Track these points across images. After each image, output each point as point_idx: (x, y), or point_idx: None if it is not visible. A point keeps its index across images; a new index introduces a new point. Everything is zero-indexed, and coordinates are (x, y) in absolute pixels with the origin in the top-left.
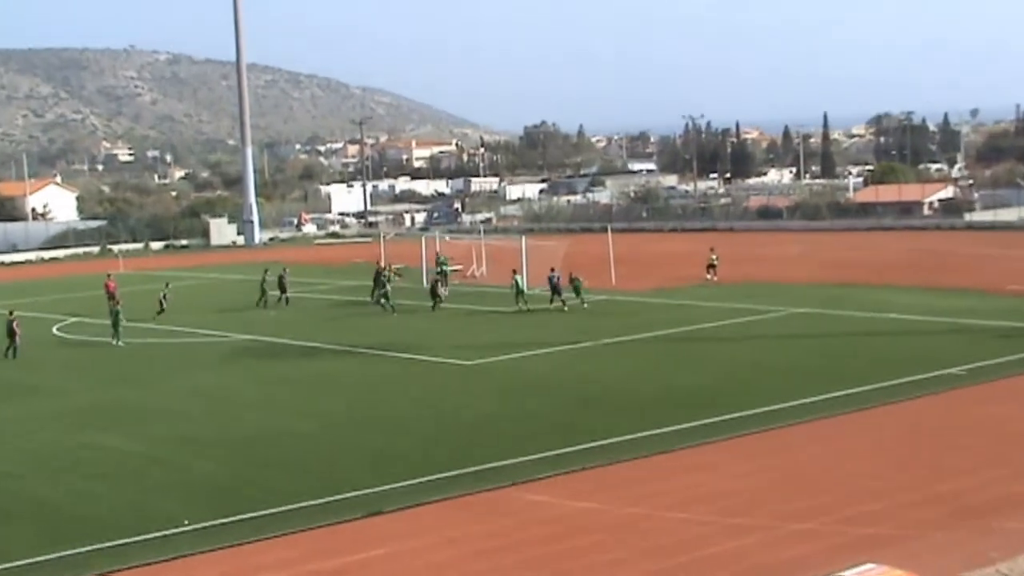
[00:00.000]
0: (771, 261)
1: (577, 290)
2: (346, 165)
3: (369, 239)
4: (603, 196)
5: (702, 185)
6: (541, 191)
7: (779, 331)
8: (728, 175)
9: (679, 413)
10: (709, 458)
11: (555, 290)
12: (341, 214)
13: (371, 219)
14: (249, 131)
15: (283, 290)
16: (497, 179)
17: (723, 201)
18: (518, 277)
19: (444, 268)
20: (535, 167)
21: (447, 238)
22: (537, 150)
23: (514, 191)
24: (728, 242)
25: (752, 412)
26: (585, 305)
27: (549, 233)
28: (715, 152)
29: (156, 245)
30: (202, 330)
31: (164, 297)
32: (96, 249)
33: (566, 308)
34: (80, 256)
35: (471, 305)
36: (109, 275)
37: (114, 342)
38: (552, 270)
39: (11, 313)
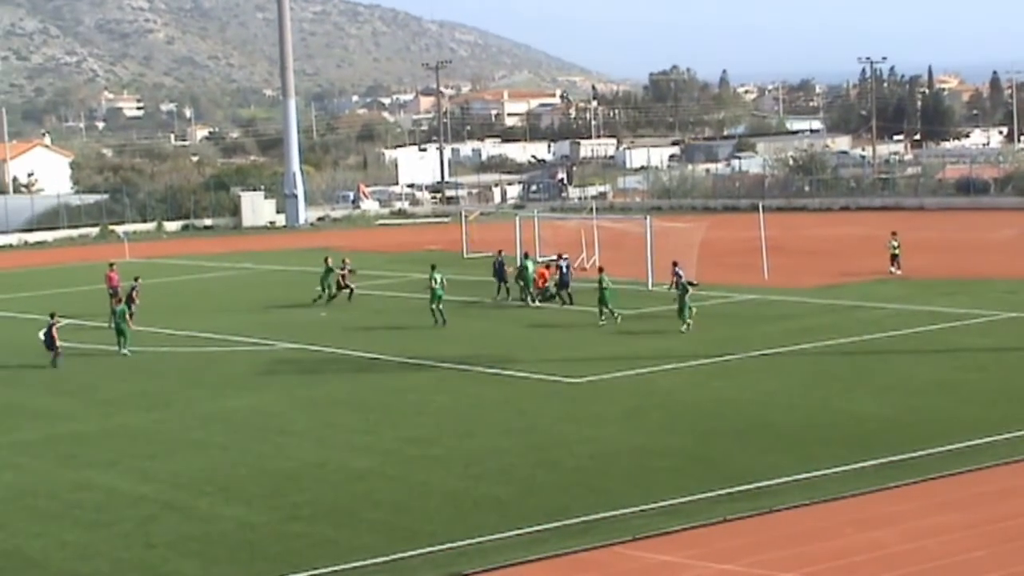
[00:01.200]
0: (974, 249)
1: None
2: (418, 123)
3: (447, 219)
4: (753, 164)
5: (883, 150)
6: (672, 157)
7: (983, 343)
8: (917, 136)
9: (850, 449)
10: (890, 508)
11: (562, 284)
12: (411, 186)
13: (450, 193)
14: (292, 78)
15: (341, 287)
16: (614, 141)
17: (910, 171)
18: (528, 262)
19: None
20: (664, 126)
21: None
22: (666, 104)
23: (636, 157)
24: (917, 224)
25: (946, 448)
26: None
27: (682, 212)
28: (901, 107)
29: (172, 226)
30: (232, 336)
31: (135, 292)
32: (95, 231)
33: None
34: (75, 240)
35: (577, 306)
36: (112, 264)
37: (120, 351)
38: (560, 256)
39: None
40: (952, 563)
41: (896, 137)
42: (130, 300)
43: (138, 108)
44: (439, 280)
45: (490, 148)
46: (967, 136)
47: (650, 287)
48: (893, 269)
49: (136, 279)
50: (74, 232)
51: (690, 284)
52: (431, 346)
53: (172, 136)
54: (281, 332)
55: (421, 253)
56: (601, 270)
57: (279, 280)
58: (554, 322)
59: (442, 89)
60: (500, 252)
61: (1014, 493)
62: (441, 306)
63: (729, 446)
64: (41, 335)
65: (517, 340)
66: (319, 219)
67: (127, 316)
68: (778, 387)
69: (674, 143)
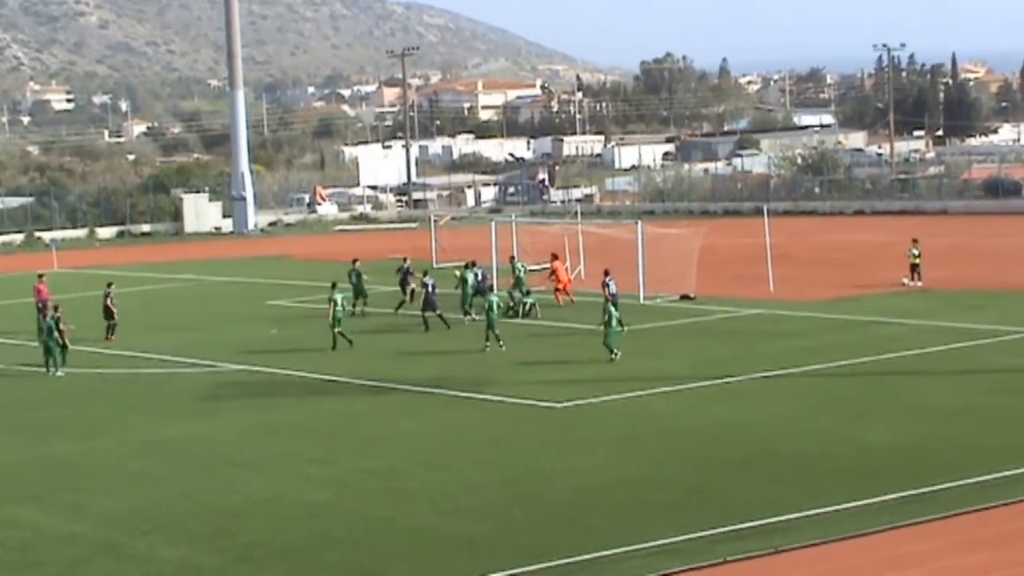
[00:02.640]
0: (1003, 258)
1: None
2: (381, 117)
3: (414, 225)
4: (756, 163)
5: (902, 147)
6: (666, 155)
7: (1013, 362)
8: (940, 132)
9: (865, 480)
10: (912, 547)
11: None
12: (373, 188)
13: (417, 196)
14: (240, 67)
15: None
16: (601, 138)
17: (932, 171)
18: (519, 263)
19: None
20: (657, 121)
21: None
22: (660, 96)
23: (627, 156)
24: (940, 230)
25: (973, 480)
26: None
27: (677, 217)
28: (921, 99)
29: (106, 232)
30: (173, 356)
31: (111, 300)
32: (19, 238)
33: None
34: None
35: (561, 322)
36: (41, 276)
37: (50, 372)
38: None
39: None
40: None
41: (916, 133)
42: (109, 314)
43: (68, 100)
44: (340, 301)
45: (462, 145)
46: (995, 132)
47: (641, 301)
48: (912, 280)
49: (109, 285)
50: None
51: (686, 297)
52: (395, 367)
53: (106, 132)
54: (228, 352)
55: (386, 262)
56: (512, 258)
57: (226, 293)
58: (535, 340)
59: (409, 79)
60: (406, 259)
61: None
62: (340, 329)
63: (731, 478)
64: None
65: (493, 360)
66: (270, 224)
67: (56, 332)
68: (785, 412)
69: (668, 140)
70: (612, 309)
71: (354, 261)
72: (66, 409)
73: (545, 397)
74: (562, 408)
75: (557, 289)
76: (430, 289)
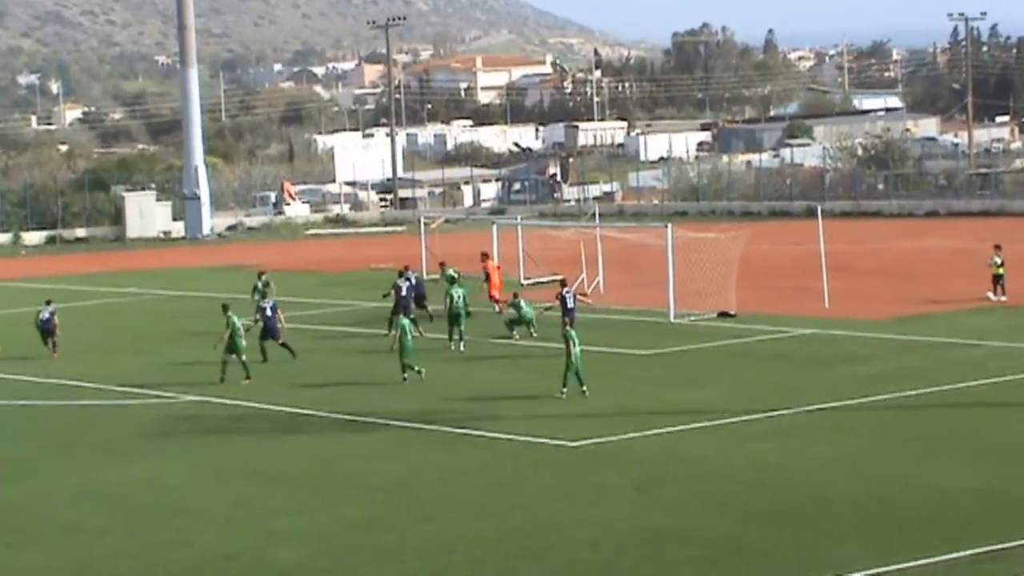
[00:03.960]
0: None
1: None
2: (361, 100)
3: (401, 228)
4: (809, 155)
5: (982, 135)
6: (701, 145)
7: None
8: None
9: (937, 533)
10: None
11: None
12: (352, 185)
13: (404, 194)
14: (194, 41)
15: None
16: (624, 125)
17: (1019, 163)
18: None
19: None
20: (690, 104)
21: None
22: (694, 75)
23: (655, 145)
24: None
25: None
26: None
27: (714, 219)
28: (1006, 78)
29: (33, 237)
30: (114, 385)
31: (46, 319)
32: None
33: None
34: None
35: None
36: None
37: None
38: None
39: None
40: None
41: (999, 119)
42: (49, 331)
43: None
44: (237, 325)
45: (458, 134)
46: None
47: (672, 319)
48: (995, 295)
49: (48, 302)
50: None
51: (725, 315)
52: (379, 398)
53: (33, 118)
54: (179, 380)
55: (366, 273)
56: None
57: (177, 310)
58: (544, 366)
59: (394, 55)
60: (407, 268)
61: None
62: (244, 357)
63: (775, 530)
64: None
65: (496, 389)
66: (229, 228)
67: None
68: (841, 452)
69: (704, 127)
70: (572, 333)
71: (260, 274)
72: None
73: (556, 434)
74: (576, 448)
75: (492, 297)
76: (403, 292)
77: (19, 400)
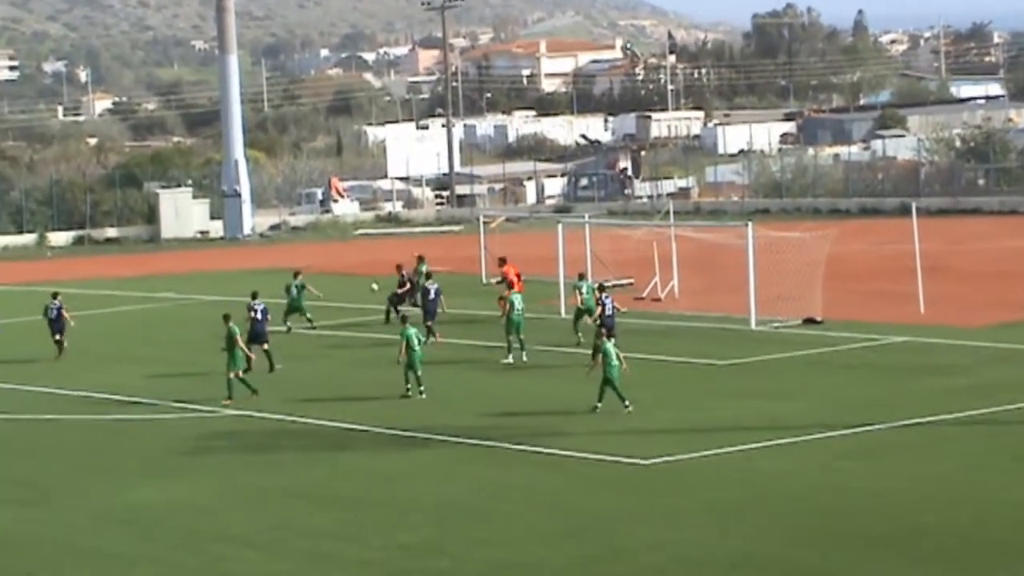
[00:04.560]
0: None
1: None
2: (415, 88)
3: (458, 228)
4: (902, 147)
5: None
6: (785, 137)
7: None
8: None
9: None
10: None
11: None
12: (405, 180)
13: (462, 191)
14: (234, 25)
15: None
16: (701, 114)
17: None
18: (584, 283)
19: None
20: (773, 92)
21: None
22: (777, 60)
23: (734, 137)
24: None
25: None
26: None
27: (799, 217)
28: None
29: (60, 238)
30: (145, 398)
31: (56, 314)
32: None
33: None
34: None
35: (647, 354)
36: None
37: None
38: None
39: None
40: None
41: None
42: (57, 327)
43: (11, 69)
44: (238, 336)
45: (520, 125)
46: None
47: (753, 326)
48: None
49: (55, 296)
50: None
51: (811, 321)
52: (434, 412)
53: (60, 109)
54: (218, 393)
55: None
56: (580, 275)
57: (215, 317)
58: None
59: (451, 39)
60: (400, 267)
61: None
62: (242, 375)
63: (864, 558)
64: None
65: (560, 402)
66: (272, 228)
67: None
68: (938, 471)
69: (787, 117)
70: (608, 347)
71: (296, 274)
72: (5, 468)
73: (625, 452)
74: (649, 466)
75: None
76: (432, 295)
77: (44, 414)
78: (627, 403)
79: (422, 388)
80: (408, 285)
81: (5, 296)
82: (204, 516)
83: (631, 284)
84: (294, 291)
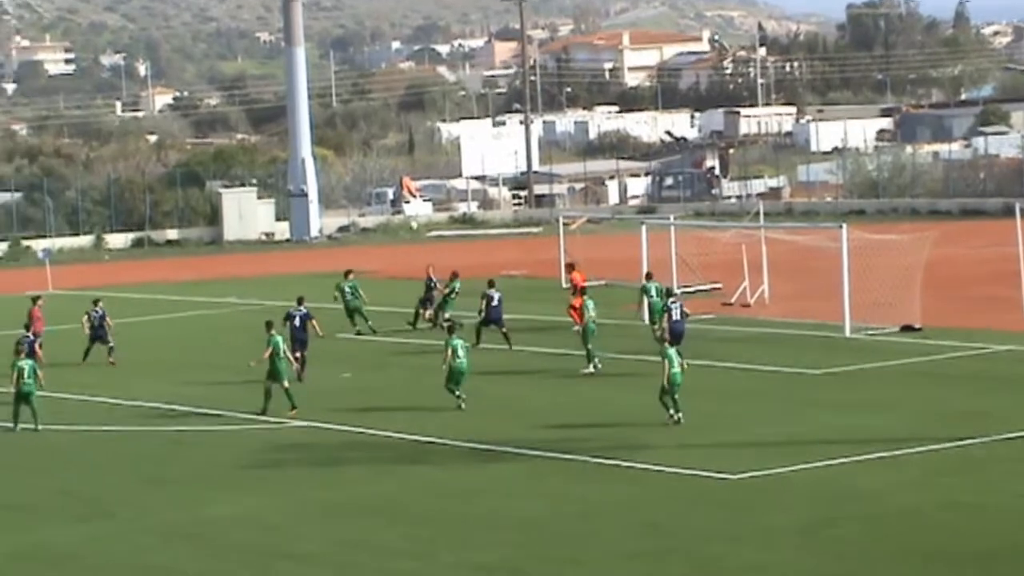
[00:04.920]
0: None
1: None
2: (491, 83)
3: (536, 229)
4: (1007, 144)
5: None
6: (881, 134)
7: None
8: None
9: None
10: None
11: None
12: (480, 180)
13: (540, 190)
14: (301, 16)
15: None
16: (793, 110)
17: None
18: (653, 285)
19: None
20: (868, 87)
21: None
22: (873, 52)
23: (828, 134)
24: None
25: None
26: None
27: (896, 218)
28: None
29: (118, 240)
30: (208, 408)
31: (97, 320)
32: (2, 246)
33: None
34: None
35: (735, 363)
36: (37, 299)
37: (26, 426)
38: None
39: None
40: None
41: None
42: (100, 334)
43: (67, 62)
44: (280, 346)
45: (602, 121)
46: None
47: (847, 333)
48: None
49: (96, 303)
50: None
51: (909, 329)
52: (512, 424)
53: (118, 104)
54: (282, 403)
55: (497, 280)
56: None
57: (280, 323)
58: (699, 386)
59: (529, 31)
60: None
61: None
62: (287, 384)
63: None
64: None
65: (642, 413)
66: (340, 229)
67: (37, 374)
68: None
69: (884, 113)
70: (671, 352)
71: (347, 273)
72: (59, 480)
73: (714, 466)
74: (738, 481)
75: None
76: (495, 302)
77: (101, 425)
78: (679, 414)
79: (461, 397)
80: (429, 291)
81: (60, 301)
82: (272, 532)
83: (719, 289)
84: (348, 292)
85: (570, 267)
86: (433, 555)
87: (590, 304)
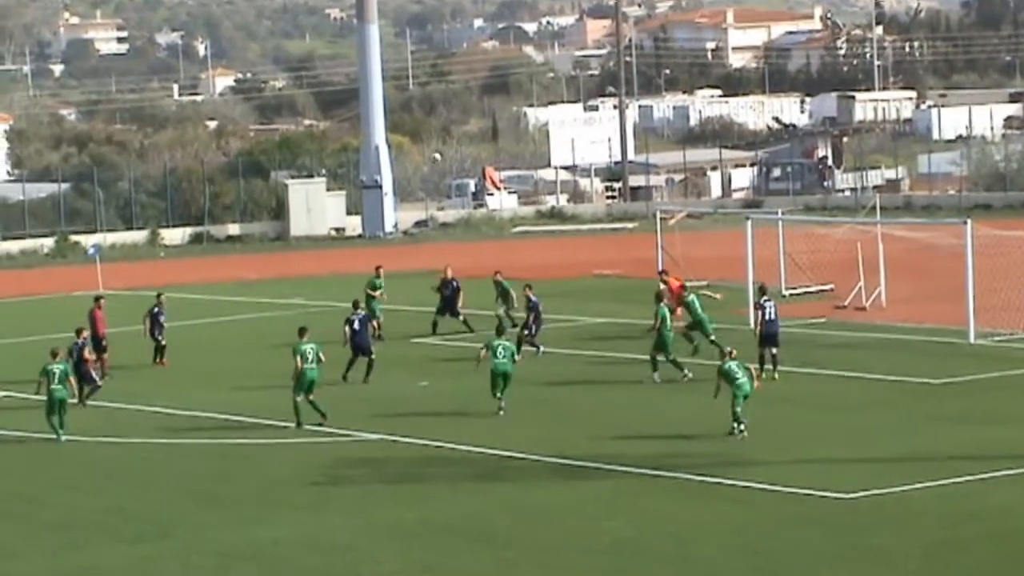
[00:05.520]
0: None
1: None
2: (582, 64)
3: (631, 225)
4: None
5: None
6: (1010, 121)
7: None
8: None
9: None
10: None
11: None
12: (571, 170)
13: (636, 182)
14: None
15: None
16: (913, 95)
17: None
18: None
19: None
20: (995, 69)
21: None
22: (1000, 32)
23: (951, 121)
24: None
25: None
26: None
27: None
28: None
29: (174, 235)
30: (271, 419)
31: (157, 319)
32: (47, 243)
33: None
34: (15, 258)
35: (849, 371)
36: (100, 299)
37: (60, 438)
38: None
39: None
40: None
41: None
42: (155, 332)
43: (119, 41)
44: (311, 354)
45: (704, 106)
46: None
47: (971, 339)
48: None
49: (159, 296)
50: (13, 246)
51: None
52: (604, 438)
53: (175, 87)
54: (354, 413)
55: (589, 281)
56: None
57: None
58: (809, 396)
59: (624, 8)
60: (497, 273)
61: None
62: (312, 396)
63: None
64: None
65: (750, 426)
66: (417, 224)
67: (69, 378)
68: None
69: (1013, 97)
70: (732, 366)
71: (377, 268)
72: (108, 497)
73: (825, 484)
74: (852, 500)
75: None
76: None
77: (156, 438)
78: (742, 427)
79: (502, 403)
80: (443, 291)
81: (111, 301)
82: (340, 554)
83: (831, 291)
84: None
85: (664, 272)
86: None
87: (665, 311)
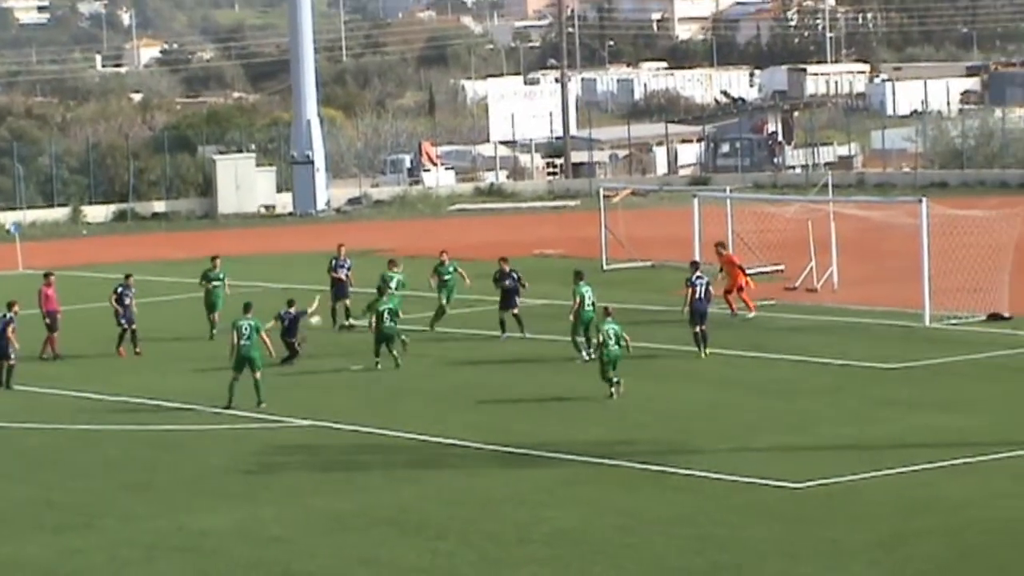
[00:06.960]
0: None
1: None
2: (522, 35)
3: (574, 203)
4: None
5: None
6: (967, 96)
7: None
8: None
9: None
10: None
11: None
12: (510, 146)
13: (578, 158)
14: None
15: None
16: (866, 68)
17: None
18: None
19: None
20: (952, 41)
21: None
22: (957, 3)
23: (906, 95)
24: None
25: None
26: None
27: (983, 192)
28: None
29: (98, 212)
30: (201, 404)
31: (122, 299)
32: None
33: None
34: None
35: (799, 355)
36: (48, 275)
37: None
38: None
39: None
40: None
41: None
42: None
43: (39, 10)
44: (247, 329)
45: (649, 79)
46: None
47: (927, 322)
48: None
49: (128, 277)
50: None
51: (997, 317)
52: (549, 425)
53: (98, 58)
54: (286, 399)
55: (531, 261)
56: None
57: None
58: (758, 381)
59: None
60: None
61: None
62: (258, 375)
63: None
64: None
65: (697, 413)
66: (351, 201)
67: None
68: None
69: (971, 71)
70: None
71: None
72: (31, 486)
73: (774, 473)
74: (801, 490)
75: (729, 292)
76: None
77: (80, 424)
78: (614, 387)
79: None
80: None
81: (30, 281)
82: (272, 546)
83: (781, 272)
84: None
85: (720, 245)
86: (456, 572)
87: (588, 290)
